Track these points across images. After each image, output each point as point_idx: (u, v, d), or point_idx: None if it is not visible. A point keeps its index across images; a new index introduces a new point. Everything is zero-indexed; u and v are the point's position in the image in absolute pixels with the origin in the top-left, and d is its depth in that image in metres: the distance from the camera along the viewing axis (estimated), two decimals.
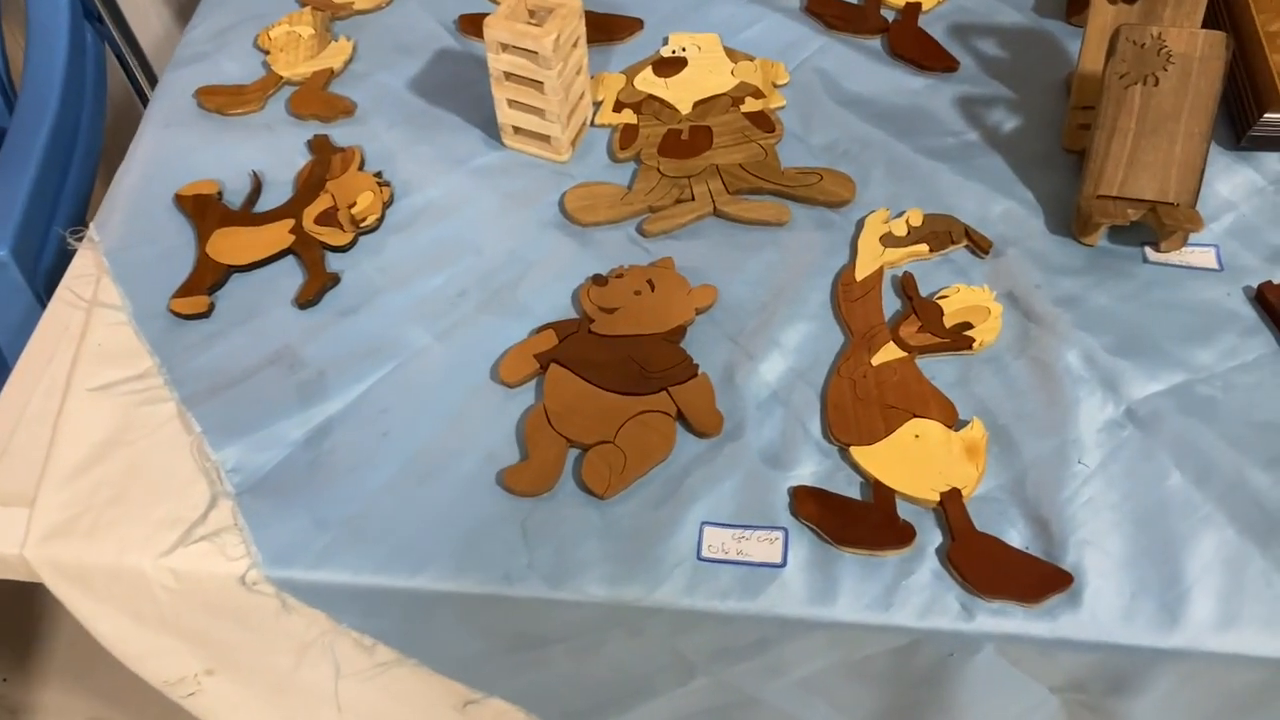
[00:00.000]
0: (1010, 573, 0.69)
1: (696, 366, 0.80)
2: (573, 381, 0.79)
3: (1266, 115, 0.92)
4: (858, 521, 0.72)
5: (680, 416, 0.78)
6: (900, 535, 0.71)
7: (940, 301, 0.84)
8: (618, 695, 0.79)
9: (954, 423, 0.77)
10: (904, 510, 0.73)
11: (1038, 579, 0.69)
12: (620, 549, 0.72)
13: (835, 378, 0.80)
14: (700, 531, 0.72)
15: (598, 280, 0.85)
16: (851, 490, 0.75)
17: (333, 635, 0.75)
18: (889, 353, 0.81)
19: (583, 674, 0.78)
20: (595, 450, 0.75)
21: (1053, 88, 1.03)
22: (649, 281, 0.85)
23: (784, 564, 0.71)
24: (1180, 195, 0.86)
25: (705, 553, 0.71)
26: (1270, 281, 0.84)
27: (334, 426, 0.78)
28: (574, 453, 0.77)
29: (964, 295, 0.84)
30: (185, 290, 0.86)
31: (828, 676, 0.74)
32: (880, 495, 0.73)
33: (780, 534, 0.72)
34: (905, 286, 0.85)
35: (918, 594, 0.69)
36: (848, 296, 0.86)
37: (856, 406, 0.78)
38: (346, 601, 0.73)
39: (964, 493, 0.73)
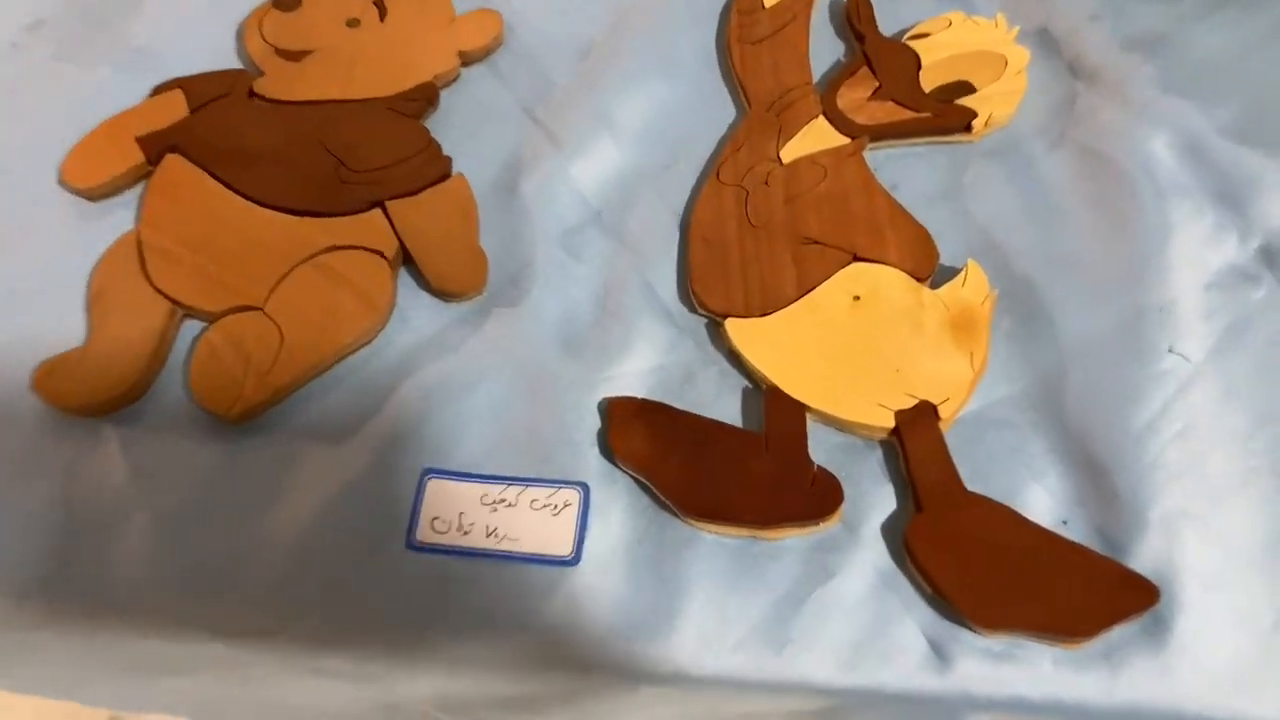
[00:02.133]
0: (1032, 578, 0.37)
1: (448, 162, 0.48)
2: (203, 188, 0.47)
3: None
4: (730, 469, 0.39)
5: (406, 259, 0.46)
6: (816, 498, 0.39)
7: (916, 44, 0.51)
8: None
9: (930, 273, 0.45)
10: (823, 445, 0.41)
11: (1087, 591, 0.37)
12: None
13: (710, 185, 0.48)
14: (420, 487, 0.40)
15: (280, 2, 0.50)
16: (725, 407, 0.43)
17: None
18: (816, 138, 0.48)
19: (254, 705, 0.48)
20: (222, 325, 0.43)
21: None
22: (377, 2, 0.49)
23: (576, 558, 0.39)
24: None
25: (422, 534, 0.39)
26: None
27: None
28: (193, 328, 0.45)
29: (960, 32, 0.51)
30: None
31: None
32: (778, 416, 0.41)
33: (576, 494, 0.40)
34: (853, 15, 0.51)
35: (841, 618, 0.38)
36: (747, 34, 0.52)
37: (745, 241, 0.45)
38: None
39: (944, 412, 0.40)
